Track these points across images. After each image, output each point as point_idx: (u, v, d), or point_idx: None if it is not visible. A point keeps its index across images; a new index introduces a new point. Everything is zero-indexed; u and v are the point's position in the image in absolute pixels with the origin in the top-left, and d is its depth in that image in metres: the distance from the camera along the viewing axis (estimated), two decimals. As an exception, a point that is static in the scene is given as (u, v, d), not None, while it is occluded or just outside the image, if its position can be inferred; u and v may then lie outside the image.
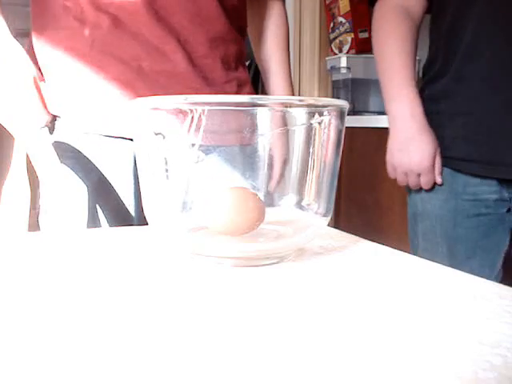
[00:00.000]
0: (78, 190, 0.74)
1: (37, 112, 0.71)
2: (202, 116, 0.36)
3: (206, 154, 0.39)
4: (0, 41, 0.70)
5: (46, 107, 0.73)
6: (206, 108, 0.36)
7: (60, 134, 0.75)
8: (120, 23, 0.71)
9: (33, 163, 0.68)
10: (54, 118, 0.75)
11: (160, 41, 0.72)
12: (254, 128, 0.37)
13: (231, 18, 0.79)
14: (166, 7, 0.72)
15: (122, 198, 0.76)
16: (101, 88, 0.72)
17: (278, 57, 0.94)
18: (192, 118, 0.36)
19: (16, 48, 0.71)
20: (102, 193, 0.75)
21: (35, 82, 0.72)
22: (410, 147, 0.89)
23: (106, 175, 0.75)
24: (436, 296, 0.32)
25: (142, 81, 0.73)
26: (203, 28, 0.75)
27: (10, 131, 0.68)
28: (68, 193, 0.71)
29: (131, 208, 0.76)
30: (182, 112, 0.36)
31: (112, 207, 0.76)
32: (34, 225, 0.73)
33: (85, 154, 0.75)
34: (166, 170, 0.40)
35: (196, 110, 0.36)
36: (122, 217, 0.76)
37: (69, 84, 0.74)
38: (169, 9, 0.72)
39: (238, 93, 0.80)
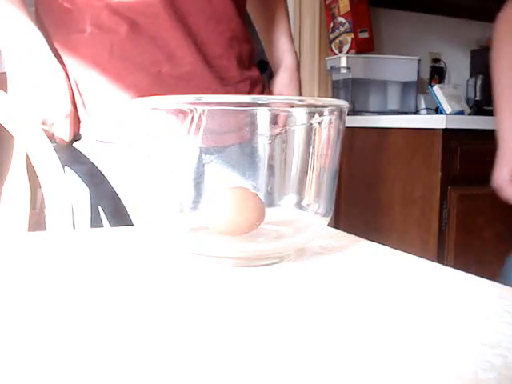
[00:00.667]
0: (85, 197, 0.74)
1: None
2: (202, 116, 0.36)
3: (207, 154, 0.39)
4: (37, 51, 0.70)
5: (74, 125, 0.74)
6: (206, 108, 0.36)
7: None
8: (138, 28, 0.70)
9: (33, 164, 0.68)
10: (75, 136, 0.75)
11: (178, 43, 0.72)
12: (254, 128, 0.37)
13: (243, 17, 0.79)
14: (184, 8, 0.71)
15: (131, 207, 0.76)
16: (119, 96, 0.72)
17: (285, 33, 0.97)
18: (192, 118, 0.36)
19: (52, 58, 0.71)
20: (113, 202, 0.75)
21: (70, 94, 0.72)
22: (497, 164, 1.04)
23: (121, 183, 0.75)
24: (436, 296, 0.32)
25: (161, 86, 0.72)
26: (219, 28, 0.75)
27: (10, 130, 0.68)
28: (71, 197, 0.71)
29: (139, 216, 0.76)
30: (181, 112, 0.36)
31: (124, 218, 0.76)
32: (34, 225, 0.73)
33: (99, 162, 0.75)
34: (166, 171, 0.40)
35: (196, 109, 0.36)
36: (129, 224, 0.76)
37: (86, 91, 0.73)
38: (186, 10, 0.71)
39: (250, 92, 0.80)
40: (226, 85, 0.76)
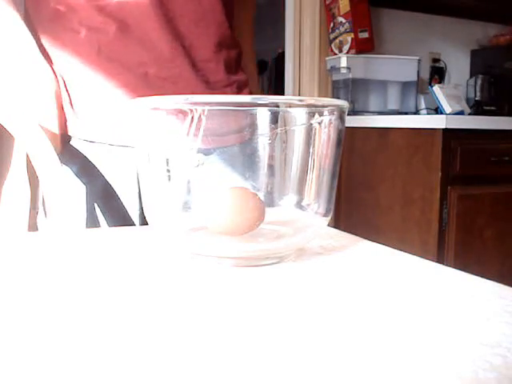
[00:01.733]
0: (81, 196, 0.74)
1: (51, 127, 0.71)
2: (202, 116, 0.36)
3: (206, 154, 0.39)
4: (27, 53, 0.70)
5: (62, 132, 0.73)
6: (206, 108, 0.36)
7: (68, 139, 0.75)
8: (127, 28, 0.70)
9: (33, 163, 0.68)
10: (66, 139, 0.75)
11: (166, 45, 0.72)
12: (253, 128, 0.37)
13: (231, 21, 0.80)
14: (174, 10, 0.72)
15: (126, 206, 0.76)
16: (106, 96, 0.72)
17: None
18: (192, 118, 0.36)
19: (41, 60, 0.71)
20: (106, 200, 0.75)
21: (57, 98, 0.72)
22: None
23: (111, 183, 0.75)
24: (436, 296, 0.32)
25: (148, 88, 0.72)
26: (208, 32, 0.75)
27: (10, 130, 0.68)
28: (69, 197, 0.71)
29: (135, 216, 0.76)
30: (181, 112, 0.36)
31: (116, 216, 0.76)
32: (34, 225, 0.73)
33: (91, 161, 0.75)
34: (166, 171, 0.40)
35: (196, 110, 0.36)
36: (125, 224, 0.76)
37: (74, 91, 0.73)
38: (176, 12, 0.72)
39: (237, 94, 0.80)
40: (212, 88, 0.77)
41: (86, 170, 0.75)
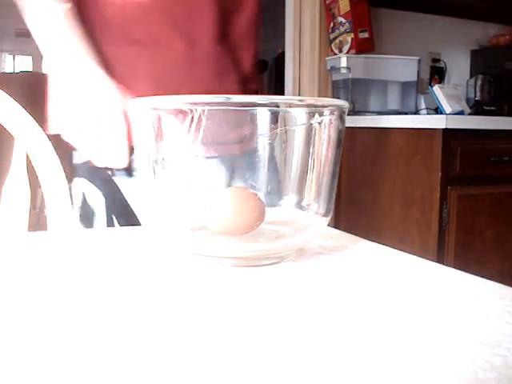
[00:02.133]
0: (94, 199, 0.75)
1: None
2: (202, 116, 0.36)
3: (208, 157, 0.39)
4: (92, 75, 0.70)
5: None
6: (206, 108, 0.36)
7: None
8: (193, 43, 0.71)
9: (33, 163, 0.68)
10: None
11: (224, 60, 0.74)
12: (253, 128, 0.37)
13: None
14: (232, 24, 0.74)
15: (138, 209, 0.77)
16: None
17: None
18: (192, 118, 0.36)
19: (106, 80, 0.71)
20: (115, 202, 0.76)
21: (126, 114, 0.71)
22: None
23: (121, 188, 0.76)
24: (436, 296, 0.32)
25: None
26: (252, 45, 0.78)
27: (10, 130, 0.68)
28: (70, 197, 0.71)
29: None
30: (182, 112, 0.36)
31: (127, 219, 0.76)
32: (34, 225, 0.73)
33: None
34: (166, 170, 0.40)
35: (196, 109, 0.36)
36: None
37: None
38: (232, 26, 0.74)
39: None
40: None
41: (96, 174, 0.75)
